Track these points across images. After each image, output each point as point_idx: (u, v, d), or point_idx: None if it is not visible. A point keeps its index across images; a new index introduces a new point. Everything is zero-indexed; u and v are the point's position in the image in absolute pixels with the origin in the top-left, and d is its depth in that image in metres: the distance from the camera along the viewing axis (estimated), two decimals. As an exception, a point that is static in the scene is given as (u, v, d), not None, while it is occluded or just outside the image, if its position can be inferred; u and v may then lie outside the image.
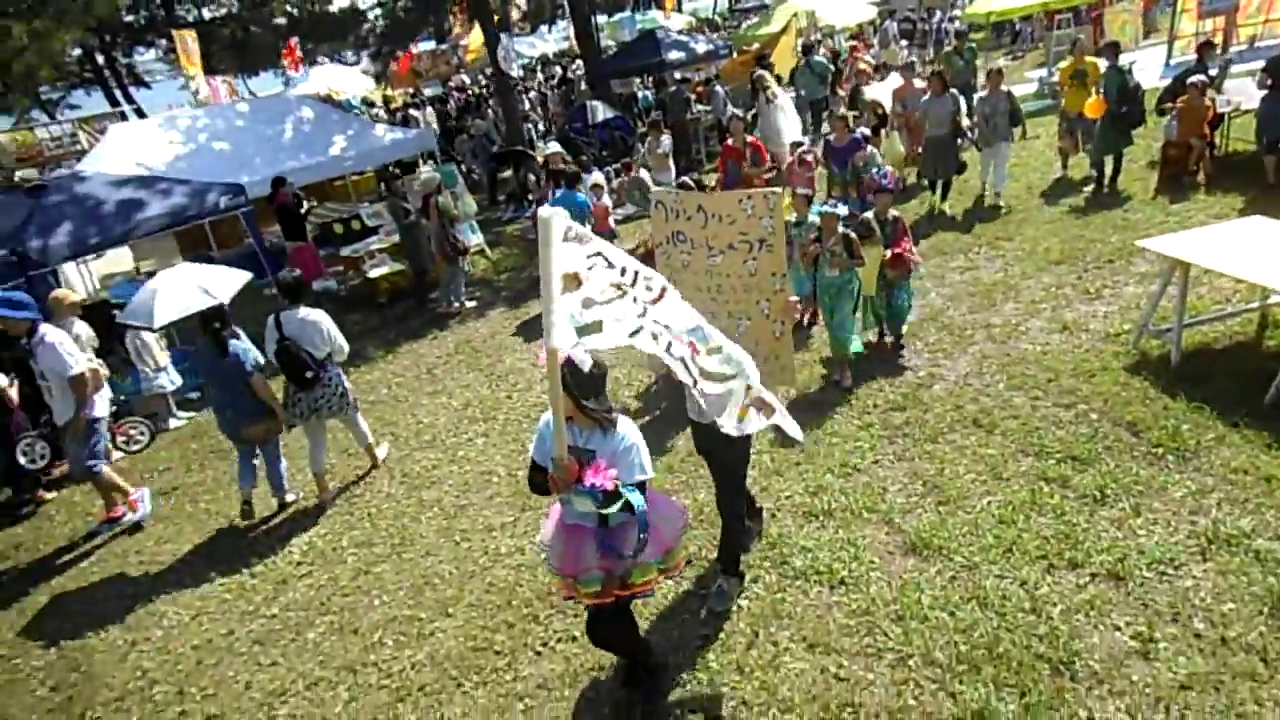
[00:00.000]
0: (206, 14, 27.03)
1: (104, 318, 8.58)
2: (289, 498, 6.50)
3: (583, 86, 21.24)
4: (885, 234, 6.65)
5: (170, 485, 7.23)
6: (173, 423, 8.48)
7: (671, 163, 12.58)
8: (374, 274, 11.20)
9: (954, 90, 10.07)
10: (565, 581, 3.56)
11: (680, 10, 32.48)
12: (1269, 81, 8.72)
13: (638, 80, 20.71)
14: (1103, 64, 9.67)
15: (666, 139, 12.52)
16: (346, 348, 6.29)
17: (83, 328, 7.55)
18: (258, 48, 25.05)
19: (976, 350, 6.73)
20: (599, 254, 3.19)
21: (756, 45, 19.13)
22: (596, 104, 17.08)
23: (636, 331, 3.22)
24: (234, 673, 4.75)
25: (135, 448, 7.89)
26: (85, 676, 4.97)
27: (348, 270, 12.09)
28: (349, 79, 24.94)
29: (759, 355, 4.05)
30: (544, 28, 34.34)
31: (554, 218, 3.04)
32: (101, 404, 6.40)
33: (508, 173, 16.10)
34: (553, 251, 3.01)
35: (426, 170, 12.29)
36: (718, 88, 15.19)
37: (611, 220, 10.81)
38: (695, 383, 3.35)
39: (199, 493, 7.04)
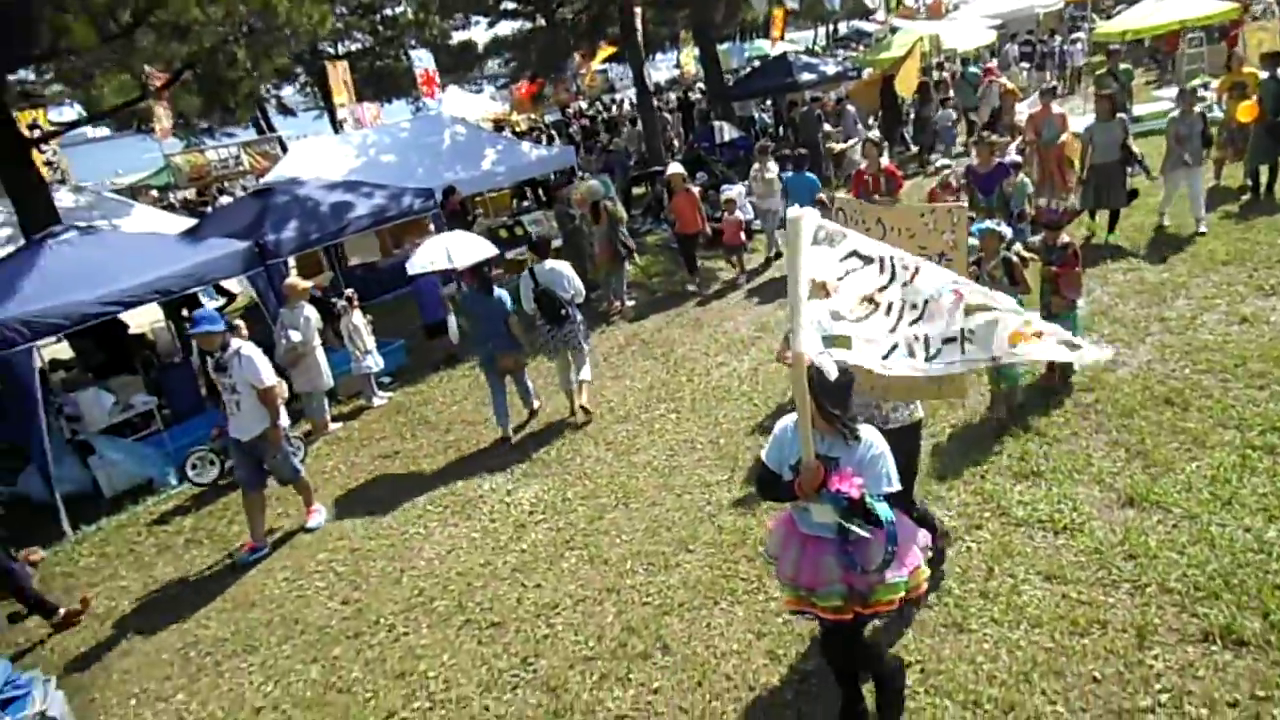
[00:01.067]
0: (340, 49, 29.18)
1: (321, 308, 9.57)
2: (535, 404, 8.10)
3: (702, 107, 22.13)
4: (1053, 259, 6.52)
5: (391, 450, 8.08)
6: (376, 400, 9.39)
7: (778, 188, 11.77)
8: (536, 275, 12.02)
9: (1121, 114, 9.41)
10: (799, 594, 3.43)
11: (783, 39, 33.24)
12: None
13: (754, 103, 21.48)
14: (1262, 74, 9.81)
15: (773, 164, 12.28)
16: (584, 290, 7.59)
17: (312, 311, 8.53)
18: (392, 76, 26.89)
19: (1154, 340, 7.00)
20: (853, 254, 3.15)
21: (872, 71, 19.68)
22: (723, 124, 17.91)
23: (890, 352, 3.17)
24: (503, 592, 5.42)
25: None
26: (368, 594, 5.72)
27: (510, 272, 12.99)
28: (477, 105, 26.51)
29: None
30: (652, 57, 35.59)
31: (804, 218, 2.91)
32: (285, 414, 6.70)
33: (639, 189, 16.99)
34: (801, 254, 2.92)
35: (589, 180, 13.09)
36: (849, 107, 15.70)
37: (742, 234, 11.39)
38: (964, 349, 3.21)
39: (419, 457, 7.84)
